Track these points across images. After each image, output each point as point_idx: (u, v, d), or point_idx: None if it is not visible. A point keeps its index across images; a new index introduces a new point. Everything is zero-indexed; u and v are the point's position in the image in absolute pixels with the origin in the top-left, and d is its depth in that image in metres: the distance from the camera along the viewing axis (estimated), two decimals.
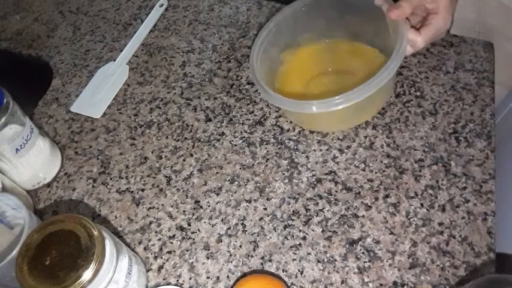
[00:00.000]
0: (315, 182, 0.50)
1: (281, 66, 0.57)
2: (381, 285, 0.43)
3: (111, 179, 0.53)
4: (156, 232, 0.48)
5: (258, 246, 0.47)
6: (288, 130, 0.54)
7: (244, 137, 0.55)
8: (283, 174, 0.51)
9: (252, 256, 0.46)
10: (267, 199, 0.50)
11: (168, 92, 0.60)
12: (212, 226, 0.48)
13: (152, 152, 0.55)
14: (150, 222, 0.49)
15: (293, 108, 0.48)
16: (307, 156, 0.52)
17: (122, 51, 0.65)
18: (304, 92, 0.55)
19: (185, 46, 0.65)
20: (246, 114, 0.57)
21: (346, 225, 0.47)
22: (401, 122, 0.54)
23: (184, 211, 0.50)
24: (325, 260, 0.45)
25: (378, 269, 0.44)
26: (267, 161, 0.52)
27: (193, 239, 0.48)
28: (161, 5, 0.70)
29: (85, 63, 0.65)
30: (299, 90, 0.55)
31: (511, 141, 0.86)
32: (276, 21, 0.54)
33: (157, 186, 0.52)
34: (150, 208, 0.50)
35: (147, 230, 0.49)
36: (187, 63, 0.63)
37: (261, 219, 0.48)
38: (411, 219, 0.47)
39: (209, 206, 0.50)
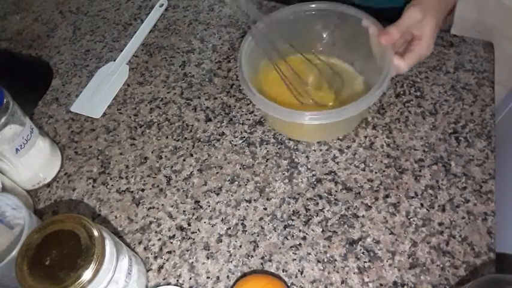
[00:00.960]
0: (315, 182, 0.50)
1: (264, 74, 0.56)
2: (381, 285, 0.43)
3: (111, 179, 0.53)
4: (156, 232, 0.48)
5: (258, 246, 0.47)
6: None
7: (244, 137, 0.55)
8: (283, 174, 0.51)
9: (252, 256, 0.46)
10: (267, 199, 0.50)
11: (168, 92, 0.60)
12: (212, 226, 0.48)
13: (152, 152, 0.55)
14: (150, 222, 0.49)
15: (285, 117, 0.46)
16: (307, 156, 0.52)
17: (122, 51, 0.65)
18: (283, 102, 0.53)
19: (185, 46, 0.65)
20: (246, 114, 0.57)
21: (346, 225, 0.47)
22: (401, 122, 0.54)
23: (184, 211, 0.50)
24: (325, 260, 0.45)
25: (378, 269, 0.44)
26: (267, 161, 0.52)
27: (193, 239, 0.48)
28: (161, 5, 0.70)
29: (85, 63, 0.65)
30: (279, 100, 0.53)
31: (511, 141, 0.86)
32: (263, 27, 0.53)
33: (157, 186, 0.52)
34: (150, 208, 0.50)
35: (147, 230, 0.49)
36: (187, 63, 0.63)
37: (261, 219, 0.48)
38: (411, 219, 0.47)
39: (209, 206, 0.50)
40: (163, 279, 0.45)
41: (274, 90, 0.53)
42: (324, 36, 0.57)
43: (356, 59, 0.56)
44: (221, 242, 0.47)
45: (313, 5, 0.53)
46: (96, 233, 0.34)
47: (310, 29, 0.56)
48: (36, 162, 0.50)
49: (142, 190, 0.52)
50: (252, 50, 0.52)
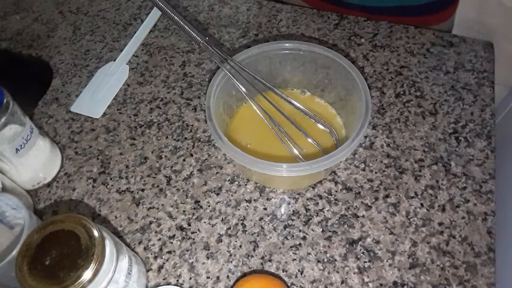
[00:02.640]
0: (315, 182, 0.50)
1: (234, 115, 0.54)
2: (381, 285, 0.43)
3: (111, 179, 0.53)
4: (156, 232, 0.48)
5: (258, 246, 0.47)
6: None
7: None
8: None
9: (252, 256, 0.46)
10: (267, 199, 0.50)
11: (168, 92, 0.60)
12: (212, 226, 0.48)
13: (152, 152, 0.55)
14: (150, 222, 0.49)
15: (262, 169, 0.42)
16: None
17: (122, 51, 0.65)
18: (249, 146, 0.52)
19: (185, 46, 0.65)
20: None
21: (346, 225, 0.47)
22: (401, 122, 0.54)
23: (184, 211, 0.50)
24: (325, 260, 0.45)
25: (377, 269, 0.44)
26: None
27: (193, 239, 0.48)
28: None
29: (85, 63, 0.65)
30: (246, 141, 0.52)
31: (511, 141, 0.86)
32: (234, 64, 0.49)
33: (157, 186, 0.52)
34: (150, 208, 0.50)
35: (147, 230, 0.49)
36: (187, 63, 0.63)
37: (261, 219, 0.48)
38: (411, 219, 0.47)
39: (209, 206, 0.50)
40: (163, 279, 0.45)
41: (245, 128, 0.53)
42: (300, 75, 0.54)
43: (333, 101, 0.54)
44: (221, 242, 0.47)
45: (286, 44, 0.51)
46: (96, 233, 0.34)
47: (283, 68, 0.53)
48: (36, 162, 0.50)
49: (142, 190, 0.52)
50: (220, 90, 0.49)
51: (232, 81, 0.48)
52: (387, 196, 0.49)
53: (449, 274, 0.44)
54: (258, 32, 0.66)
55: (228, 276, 0.45)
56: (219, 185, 0.51)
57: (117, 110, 0.59)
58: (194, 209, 0.50)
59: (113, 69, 0.63)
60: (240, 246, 0.47)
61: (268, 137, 0.50)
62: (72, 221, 0.35)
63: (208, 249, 0.47)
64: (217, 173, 0.52)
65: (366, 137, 0.53)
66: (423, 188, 0.49)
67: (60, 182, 0.53)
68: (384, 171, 0.51)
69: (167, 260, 0.47)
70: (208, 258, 0.46)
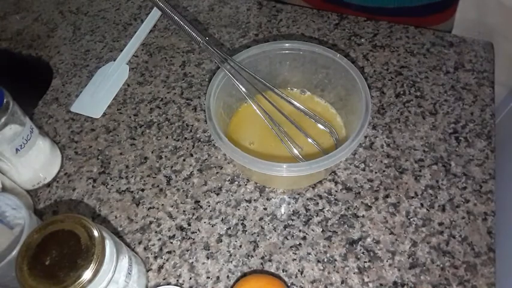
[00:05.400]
0: (315, 182, 0.50)
1: (234, 115, 0.54)
2: (381, 285, 0.43)
3: (111, 179, 0.53)
4: (156, 232, 0.48)
5: (258, 246, 0.47)
6: None
7: None
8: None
9: (252, 256, 0.46)
10: (267, 199, 0.50)
11: (168, 92, 0.60)
12: (212, 226, 0.48)
13: (152, 152, 0.55)
14: (150, 222, 0.49)
15: (262, 169, 0.42)
16: None
17: (122, 51, 0.65)
18: (250, 144, 0.52)
19: (185, 46, 0.65)
20: None
21: (346, 225, 0.47)
22: (401, 122, 0.54)
23: (184, 211, 0.50)
24: (325, 260, 0.45)
25: (378, 269, 0.44)
26: None
27: (193, 239, 0.48)
28: None
29: (85, 63, 0.65)
30: (246, 141, 0.52)
31: (511, 141, 0.86)
32: (234, 64, 0.49)
33: (157, 186, 0.52)
34: (150, 208, 0.50)
35: (147, 230, 0.49)
36: (187, 63, 0.63)
37: (261, 219, 0.48)
38: (411, 219, 0.47)
39: (209, 206, 0.50)
40: (163, 279, 0.45)
41: (245, 128, 0.52)
42: (300, 75, 0.54)
43: (333, 100, 0.54)
44: (221, 242, 0.47)
45: (286, 44, 0.51)
46: (96, 233, 0.34)
47: (283, 68, 0.53)
48: (36, 162, 0.50)
49: (142, 190, 0.52)
50: (220, 90, 0.49)
51: (232, 81, 0.48)
52: (387, 196, 0.49)
53: (449, 274, 0.44)
54: (258, 32, 0.66)
55: (228, 276, 0.45)
56: (219, 185, 0.51)
57: (117, 110, 0.59)
58: (194, 209, 0.50)
59: (112, 69, 0.63)
60: (240, 246, 0.47)
61: (268, 137, 0.50)
62: (72, 221, 0.35)
63: (208, 249, 0.47)
64: (217, 173, 0.52)
65: (366, 137, 0.53)
66: (423, 188, 0.49)
67: (60, 182, 0.53)
68: (384, 171, 0.51)
69: (167, 260, 0.47)
70: (208, 258, 0.46)
